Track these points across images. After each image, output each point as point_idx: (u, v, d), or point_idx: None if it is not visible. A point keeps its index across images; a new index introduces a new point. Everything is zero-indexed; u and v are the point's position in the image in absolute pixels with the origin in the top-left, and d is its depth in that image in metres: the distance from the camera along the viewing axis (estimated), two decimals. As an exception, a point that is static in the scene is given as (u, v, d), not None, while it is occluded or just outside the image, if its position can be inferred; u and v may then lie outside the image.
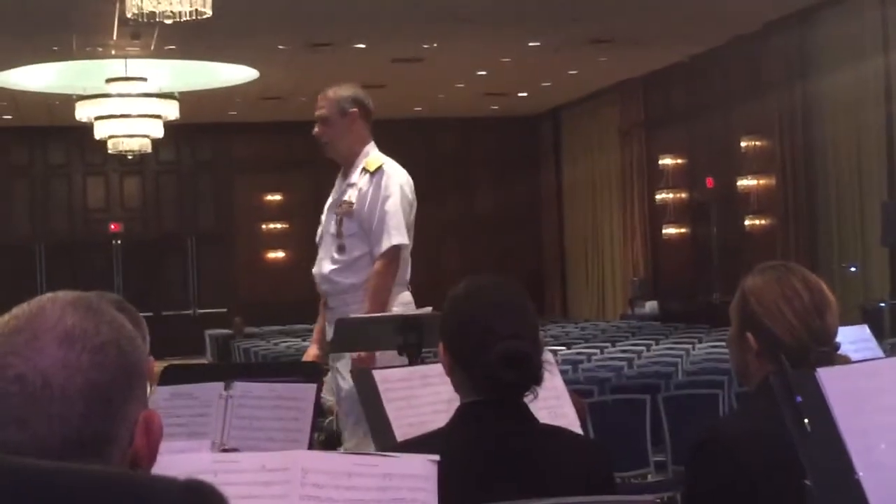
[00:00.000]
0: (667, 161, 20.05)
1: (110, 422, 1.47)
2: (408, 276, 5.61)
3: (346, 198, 5.50)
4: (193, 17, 11.77)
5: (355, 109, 5.58)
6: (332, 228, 5.51)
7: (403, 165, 5.70)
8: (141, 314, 2.93)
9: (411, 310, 5.37)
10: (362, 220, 5.46)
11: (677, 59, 18.70)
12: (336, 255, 5.48)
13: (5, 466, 0.78)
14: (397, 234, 5.43)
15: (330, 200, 5.60)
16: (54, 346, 1.46)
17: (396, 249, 5.43)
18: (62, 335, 1.47)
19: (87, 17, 14.53)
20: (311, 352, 5.45)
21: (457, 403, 2.70)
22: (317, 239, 5.64)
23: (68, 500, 0.75)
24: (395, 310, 5.32)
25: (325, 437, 9.85)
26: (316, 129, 5.59)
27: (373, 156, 5.55)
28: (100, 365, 1.47)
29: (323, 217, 5.62)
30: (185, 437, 3.23)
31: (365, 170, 5.51)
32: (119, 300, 2.86)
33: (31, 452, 1.44)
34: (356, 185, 5.50)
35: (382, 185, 5.47)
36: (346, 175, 5.58)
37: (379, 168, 5.50)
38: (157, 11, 11.47)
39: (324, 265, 5.52)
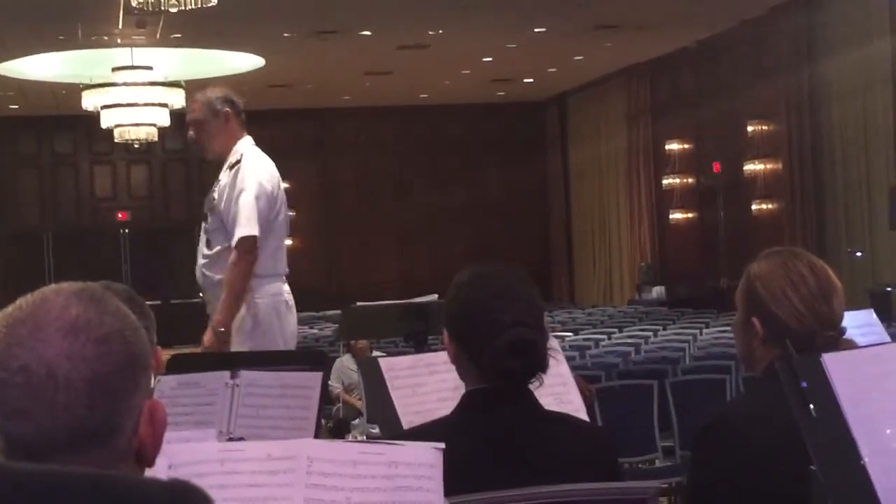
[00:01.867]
0: (673, 146, 20.02)
1: (115, 412, 1.47)
2: (281, 269, 5.68)
3: (213, 194, 5.64)
4: (199, 6, 11.77)
5: (227, 109, 5.68)
6: (203, 224, 5.67)
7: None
8: (149, 302, 2.93)
9: (283, 301, 5.56)
10: (222, 214, 5.57)
11: (684, 44, 18.65)
12: (205, 251, 5.61)
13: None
14: (247, 226, 5.46)
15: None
16: (58, 337, 1.46)
17: (247, 240, 5.47)
18: (66, 326, 1.47)
19: (92, 6, 14.53)
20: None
21: (462, 391, 2.70)
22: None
23: (49, 501, 0.74)
24: (262, 301, 5.49)
25: (334, 424, 9.89)
26: (190, 133, 5.67)
27: (239, 149, 5.64)
28: (104, 355, 1.47)
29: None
30: (191, 426, 3.23)
31: (228, 165, 5.63)
32: (126, 290, 2.86)
33: (36, 443, 1.44)
34: (220, 181, 5.65)
35: (238, 178, 5.56)
36: (224, 171, 5.70)
37: (238, 162, 5.60)
38: (163, 0, 11.47)
39: (198, 260, 5.66)
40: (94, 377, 1.46)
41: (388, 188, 24.35)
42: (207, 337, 5.47)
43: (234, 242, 5.46)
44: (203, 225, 5.65)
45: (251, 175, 5.51)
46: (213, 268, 5.57)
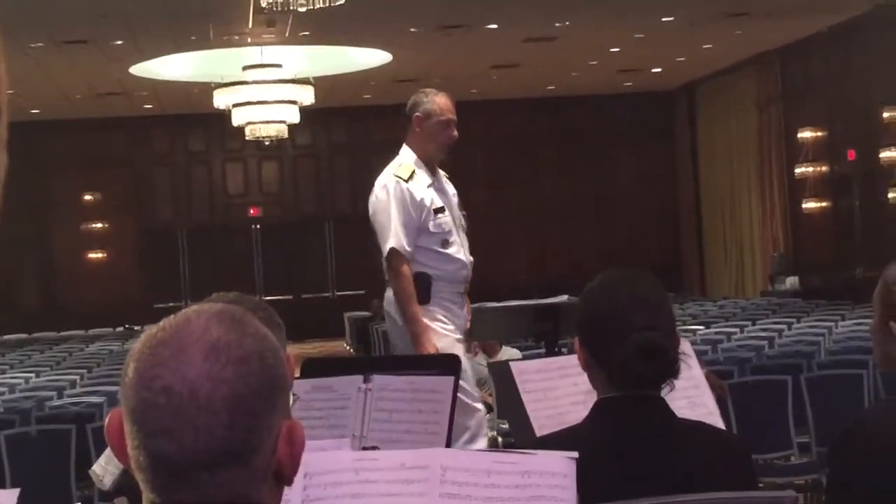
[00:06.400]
0: (806, 134, 19.66)
1: (254, 432, 1.50)
2: None
3: (455, 199, 5.84)
4: (327, 4, 11.89)
5: None
6: (464, 223, 5.78)
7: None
8: (280, 297, 2.96)
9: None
10: None
11: (815, 29, 18.31)
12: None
13: None
14: None
15: (434, 195, 5.68)
16: (200, 359, 1.49)
17: None
18: (207, 347, 1.50)
19: (223, 7, 14.78)
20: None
21: (595, 395, 2.70)
22: (451, 227, 5.69)
23: None
24: None
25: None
26: (455, 133, 5.79)
27: None
28: (244, 377, 1.49)
29: (433, 203, 5.65)
30: (324, 430, 3.27)
31: (444, 175, 5.85)
32: (258, 303, 2.89)
33: (178, 462, 1.48)
34: (450, 187, 5.86)
35: None
36: (434, 175, 5.78)
37: (441, 173, 5.86)
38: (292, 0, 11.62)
39: (469, 257, 5.73)
40: (234, 398, 1.48)
41: (516, 180, 24.34)
42: None
43: None
44: (462, 223, 5.77)
45: None
46: None
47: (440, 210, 5.65)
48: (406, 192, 5.60)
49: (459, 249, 5.67)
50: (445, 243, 5.64)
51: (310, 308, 22.62)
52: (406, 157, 5.71)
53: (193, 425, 1.47)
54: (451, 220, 5.68)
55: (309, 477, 2.28)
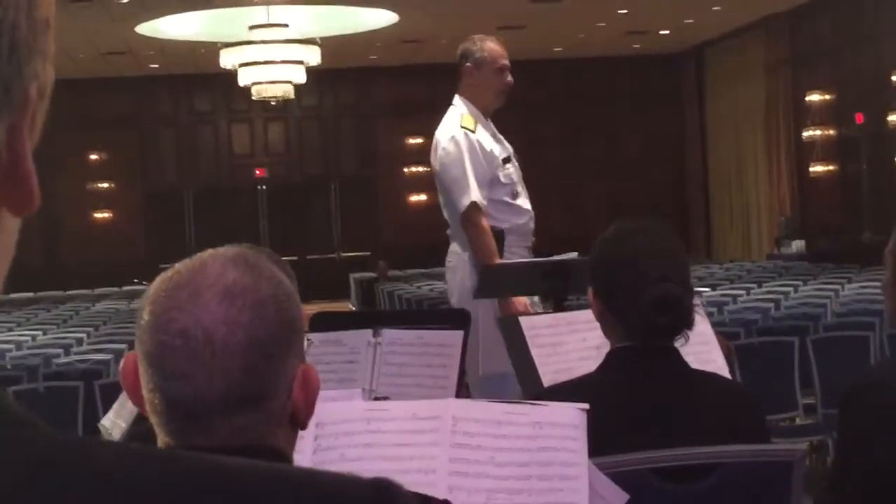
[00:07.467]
0: (814, 97, 19.59)
1: (269, 376, 1.50)
2: None
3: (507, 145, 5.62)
4: (334, -37, 11.83)
5: None
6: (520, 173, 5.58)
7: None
8: (286, 258, 2.92)
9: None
10: None
11: (825, -8, 18.23)
12: None
13: (183, 462, 0.75)
14: None
15: (497, 145, 5.48)
16: (215, 303, 1.49)
17: None
18: (223, 291, 1.50)
19: (229, -34, 14.72)
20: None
21: (605, 350, 2.69)
22: (517, 177, 5.51)
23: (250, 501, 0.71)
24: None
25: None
26: (511, 79, 5.59)
27: None
28: (259, 320, 1.49)
29: (501, 153, 5.47)
30: (334, 384, 3.28)
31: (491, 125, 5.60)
32: (271, 254, 2.88)
33: (193, 405, 1.48)
34: (498, 133, 5.61)
35: None
36: (489, 125, 5.55)
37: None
38: (299, -42, 11.56)
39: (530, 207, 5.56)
40: (249, 342, 1.48)
41: (522, 142, 24.19)
42: None
43: None
44: (521, 172, 5.56)
45: None
46: None
47: (507, 160, 5.45)
48: (476, 143, 5.36)
49: (526, 200, 5.48)
50: (515, 194, 5.43)
51: (315, 269, 22.61)
52: (464, 109, 5.46)
53: (209, 369, 1.47)
54: (515, 171, 5.49)
55: (321, 427, 2.29)
